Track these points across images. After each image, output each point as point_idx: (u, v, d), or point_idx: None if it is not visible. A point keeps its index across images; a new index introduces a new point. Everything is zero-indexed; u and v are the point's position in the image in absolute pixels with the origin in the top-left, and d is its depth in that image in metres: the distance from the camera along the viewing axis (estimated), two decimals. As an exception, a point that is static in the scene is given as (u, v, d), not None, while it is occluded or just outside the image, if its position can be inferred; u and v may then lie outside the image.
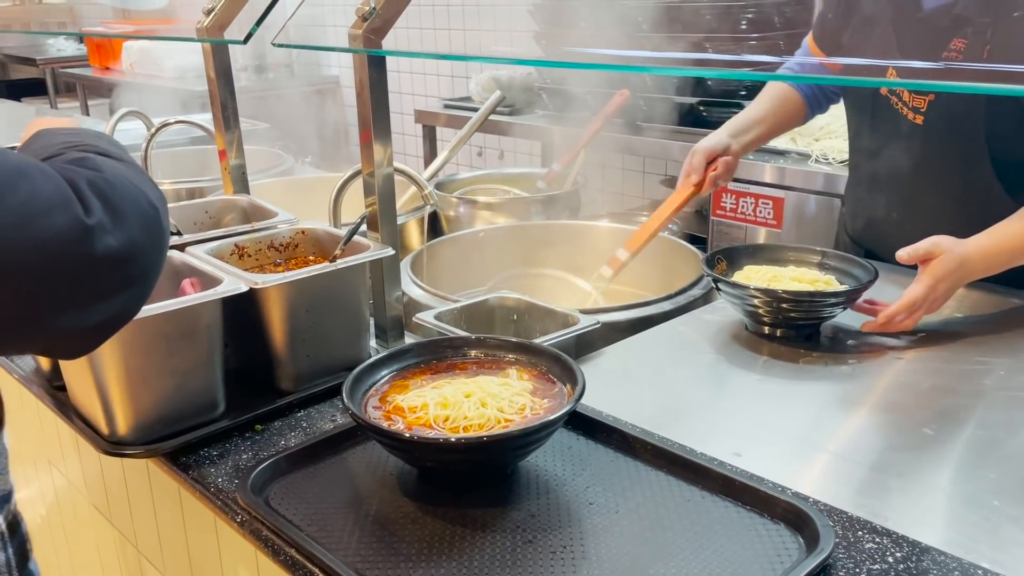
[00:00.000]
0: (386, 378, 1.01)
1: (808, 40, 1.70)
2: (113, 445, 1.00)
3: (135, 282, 0.72)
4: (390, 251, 1.17)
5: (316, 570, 0.80)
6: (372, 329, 1.24)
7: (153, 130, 1.98)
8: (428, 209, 1.71)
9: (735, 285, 1.33)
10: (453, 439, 0.85)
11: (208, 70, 1.45)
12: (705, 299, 1.55)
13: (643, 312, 1.45)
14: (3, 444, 0.79)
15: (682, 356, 1.30)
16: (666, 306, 1.48)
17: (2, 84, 6.37)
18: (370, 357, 1.20)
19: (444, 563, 0.80)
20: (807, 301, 1.29)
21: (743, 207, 2.50)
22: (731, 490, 0.89)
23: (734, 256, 1.49)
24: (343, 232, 1.25)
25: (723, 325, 1.40)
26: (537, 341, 1.18)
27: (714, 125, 2.77)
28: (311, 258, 1.27)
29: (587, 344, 1.33)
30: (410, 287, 1.52)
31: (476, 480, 0.92)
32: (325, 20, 4.07)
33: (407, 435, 0.86)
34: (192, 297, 1.00)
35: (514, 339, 1.04)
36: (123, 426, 1.00)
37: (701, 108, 2.79)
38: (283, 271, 1.23)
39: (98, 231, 0.67)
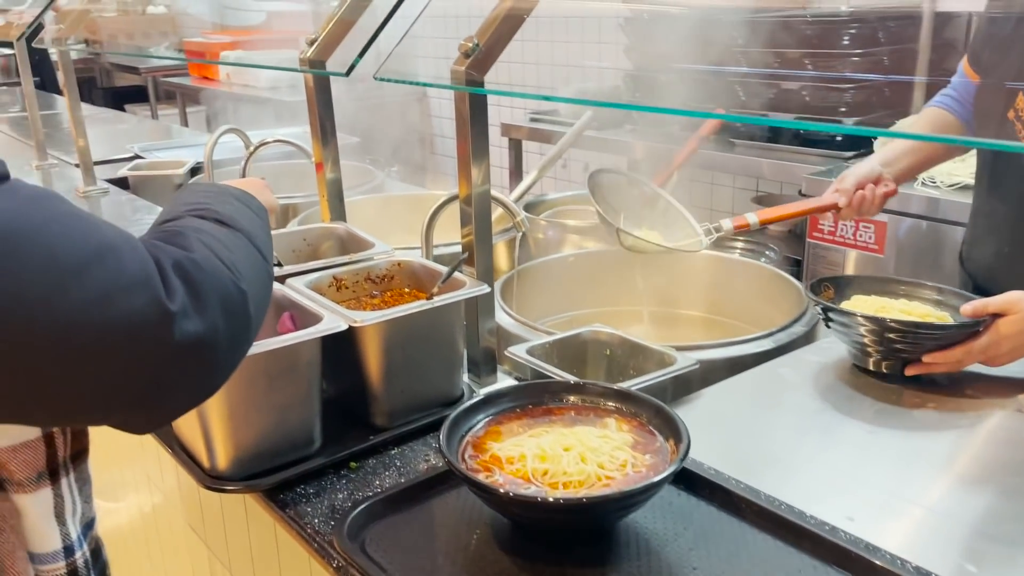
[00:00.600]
0: (482, 423, 0.99)
1: (963, 64, 1.59)
2: (213, 479, 1.02)
3: (212, 369, 0.70)
4: (486, 288, 1.16)
5: (413, 626, 0.79)
6: (465, 363, 1.23)
7: (252, 149, 2.02)
8: (519, 235, 1.69)
9: (843, 312, 1.27)
10: (551, 499, 0.82)
11: (309, 97, 1.47)
12: (807, 337, 1.49)
13: (742, 350, 1.40)
14: (88, 472, 0.81)
15: (785, 401, 1.25)
16: (766, 344, 1.43)
17: (108, 92, 6.67)
18: (462, 392, 1.20)
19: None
20: (913, 332, 1.22)
21: (842, 230, 2.40)
22: (846, 562, 0.84)
23: (840, 285, 1.42)
24: (438, 266, 1.24)
25: (828, 366, 1.34)
26: (634, 385, 1.16)
27: (811, 143, 2.70)
28: (406, 290, 1.27)
29: (683, 384, 1.29)
30: (500, 315, 1.50)
31: (575, 537, 0.89)
32: (418, 50, 4.11)
33: (504, 491, 0.84)
34: (293, 336, 1.00)
35: (614, 387, 1.01)
36: (223, 461, 1.01)
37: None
38: (379, 303, 1.23)
39: (179, 316, 0.65)
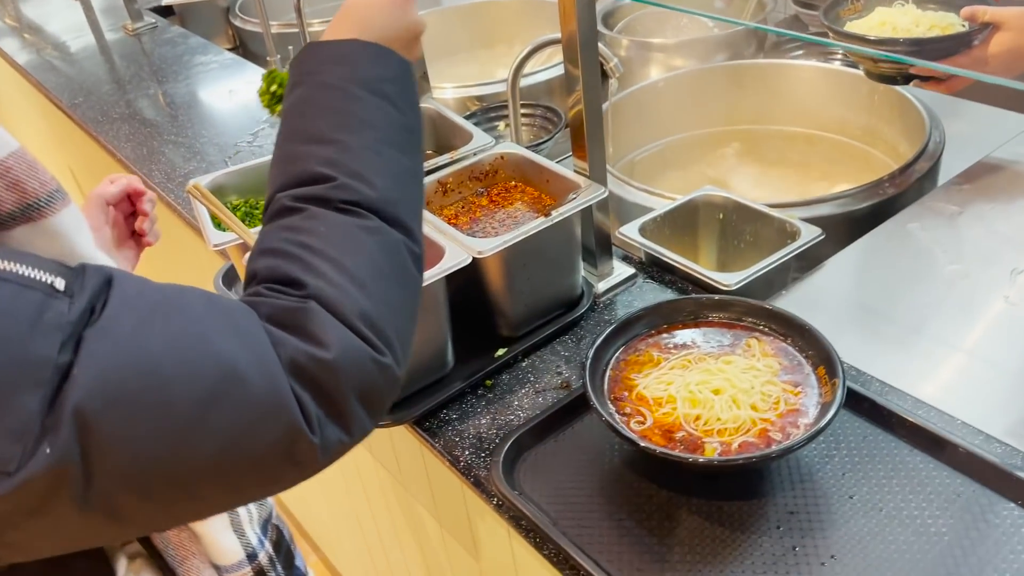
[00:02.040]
0: (619, 351, 0.98)
1: None
2: (360, 415, 1.05)
3: (358, 440, 0.62)
4: (604, 192, 1.09)
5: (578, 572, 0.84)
6: (580, 258, 1.20)
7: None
8: (612, 82, 1.57)
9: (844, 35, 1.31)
10: (716, 461, 0.83)
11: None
12: (932, 176, 1.40)
13: (861, 202, 1.33)
14: None
15: (921, 271, 1.19)
16: (889, 190, 1.35)
17: None
18: (582, 291, 1.18)
19: (716, 575, 0.82)
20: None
21: None
22: (1009, 488, 0.84)
23: None
24: (545, 161, 1.17)
25: (962, 217, 1.27)
26: (758, 270, 1.12)
27: None
28: (511, 184, 1.21)
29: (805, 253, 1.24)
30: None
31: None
32: None
33: (660, 451, 0.84)
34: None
35: (757, 304, 0.98)
36: (367, 398, 1.04)
37: None
38: (487, 203, 1.19)
39: (319, 436, 0.57)
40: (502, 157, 1.20)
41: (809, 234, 1.19)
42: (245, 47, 2.57)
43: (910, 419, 0.91)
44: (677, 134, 1.80)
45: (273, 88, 1.26)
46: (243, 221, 1.20)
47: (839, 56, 1.99)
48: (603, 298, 1.20)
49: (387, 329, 0.62)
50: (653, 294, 1.20)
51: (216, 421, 0.53)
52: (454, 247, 1.02)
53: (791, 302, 1.17)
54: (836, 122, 1.72)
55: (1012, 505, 0.83)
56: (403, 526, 1.43)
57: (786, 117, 1.77)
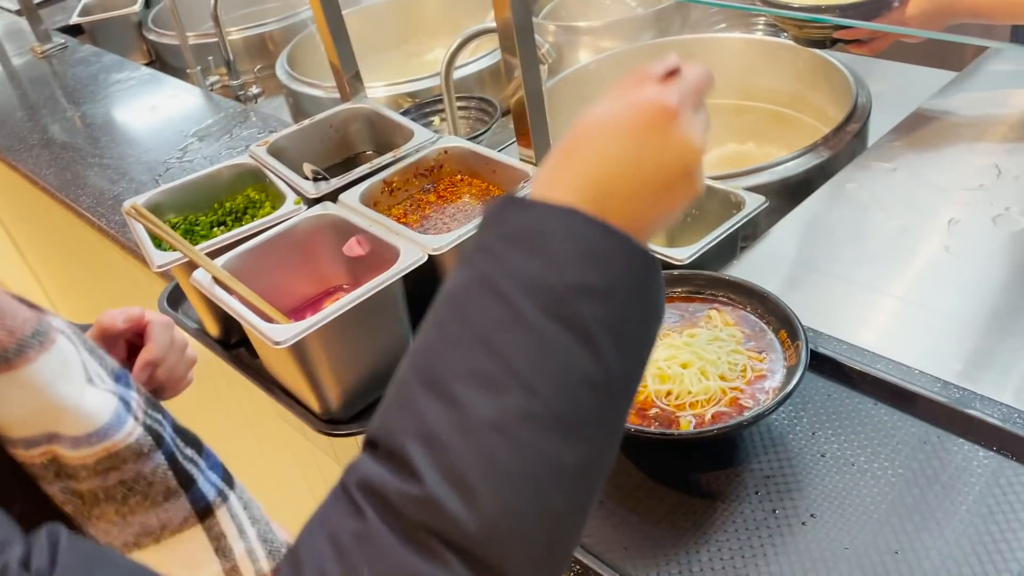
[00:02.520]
0: (585, 333, 0.98)
1: None
2: (329, 425, 1.03)
3: None
4: (554, 178, 1.09)
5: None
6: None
7: None
8: (543, 70, 1.57)
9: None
10: (690, 435, 0.83)
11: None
12: (862, 136, 1.43)
13: (797, 166, 1.35)
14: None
15: (863, 228, 1.22)
16: (823, 153, 1.38)
17: None
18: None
19: (701, 545, 0.82)
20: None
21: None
22: (970, 431, 0.87)
23: None
24: (489, 151, 1.17)
25: (897, 174, 1.30)
26: (708, 243, 1.13)
27: None
28: (457, 178, 1.20)
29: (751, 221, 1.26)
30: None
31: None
32: None
33: (636, 429, 0.85)
34: (376, 282, 0.96)
35: (715, 275, 0.99)
36: (335, 404, 1.02)
37: None
38: (435, 199, 1.18)
39: None
40: (446, 151, 1.19)
41: (754, 203, 1.21)
42: (162, 61, 2.50)
43: (871, 373, 0.93)
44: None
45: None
46: (185, 239, 1.16)
47: (761, 26, 2.03)
48: (559, 284, 1.20)
49: None
50: (608, 275, 1.21)
51: None
52: (408, 246, 1.00)
53: (743, 270, 1.19)
54: (765, 91, 1.75)
55: (976, 446, 0.86)
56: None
57: (716, 90, 1.79)
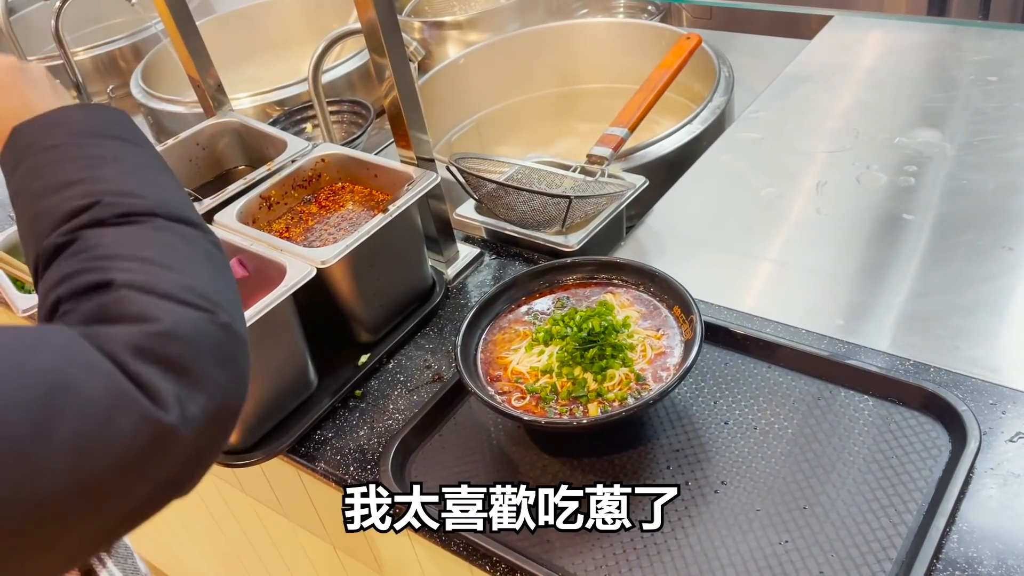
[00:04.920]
0: (484, 332, 0.98)
1: None
2: (230, 456, 0.99)
3: (231, 424, 0.58)
4: (437, 179, 1.08)
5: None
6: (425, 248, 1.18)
7: None
8: (413, 68, 1.55)
9: None
10: (596, 421, 0.84)
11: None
12: (728, 109, 1.48)
13: (675, 142, 1.38)
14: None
15: (740, 198, 1.27)
16: (696, 127, 1.42)
17: None
18: (433, 280, 1.17)
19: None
20: None
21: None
22: (859, 380, 0.91)
23: None
24: (368, 156, 1.14)
25: (764, 142, 1.36)
26: (594, 228, 1.14)
27: None
28: (338, 185, 1.17)
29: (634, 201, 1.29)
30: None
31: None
32: None
33: (546, 422, 0.85)
34: (266, 301, 0.93)
35: (603, 259, 1.00)
36: (234, 437, 0.98)
37: None
38: (317, 210, 1.14)
39: (176, 412, 0.52)
40: (323, 160, 1.16)
41: (635, 183, 1.23)
42: (3, 88, 2.32)
43: (762, 338, 0.96)
44: (487, 108, 1.81)
45: None
46: (50, 278, 1.09)
47: (622, 9, 2.07)
48: (455, 283, 1.19)
49: (212, 295, 0.57)
50: (502, 269, 1.21)
51: (60, 435, 0.47)
52: (295, 261, 0.97)
53: (632, 251, 1.22)
54: (632, 72, 1.78)
55: (864, 395, 0.90)
56: (294, 556, 1.37)
57: (586, 75, 1.82)
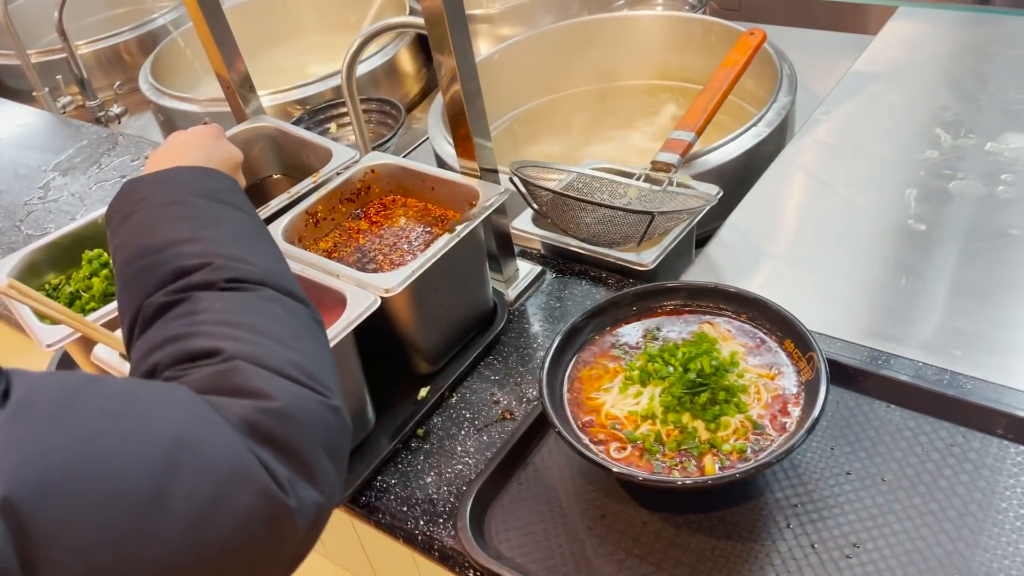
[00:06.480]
0: (570, 364, 0.87)
1: None
2: (282, 508, 0.88)
3: (319, 536, 0.53)
4: (506, 193, 0.97)
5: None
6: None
7: None
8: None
9: None
10: (722, 480, 0.74)
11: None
12: (791, 115, 1.38)
13: (740, 147, 1.27)
14: None
15: (824, 211, 1.16)
16: (762, 130, 1.31)
17: None
18: (494, 303, 1.06)
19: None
20: None
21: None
22: (996, 425, 0.81)
23: None
24: (422, 165, 1.03)
25: (840, 147, 1.25)
26: (667, 246, 1.04)
27: None
28: (389, 199, 1.06)
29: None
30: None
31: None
32: None
33: (678, 483, 0.75)
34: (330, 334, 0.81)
35: (699, 285, 0.90)
36: (287, 486, 0.87)
37: None
38: (367, 226, 1.03)
39: (293, 496, 0.48)
40: (373, 171, 1.05)
41: (709, 192, 1.13)
42: (1, 84, 2.19)
43: (880, 374, 0.86)
44: (523, 105, 1.70)
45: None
46: (71, 306, 0.98)
47: (662, 2, 1.96)
48: (516, 305, 1.08)
49: (321, 376, 0.56)
50: (566, 289, 1.10)
51: (177, 495, 0.45)
52: (355, 289, 0.86)
53: (705, 269, 1.11)
54: (676, 69, 1.68)
55: (1006, 441, 0.80)
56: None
57: (630, 71, 1.71)
